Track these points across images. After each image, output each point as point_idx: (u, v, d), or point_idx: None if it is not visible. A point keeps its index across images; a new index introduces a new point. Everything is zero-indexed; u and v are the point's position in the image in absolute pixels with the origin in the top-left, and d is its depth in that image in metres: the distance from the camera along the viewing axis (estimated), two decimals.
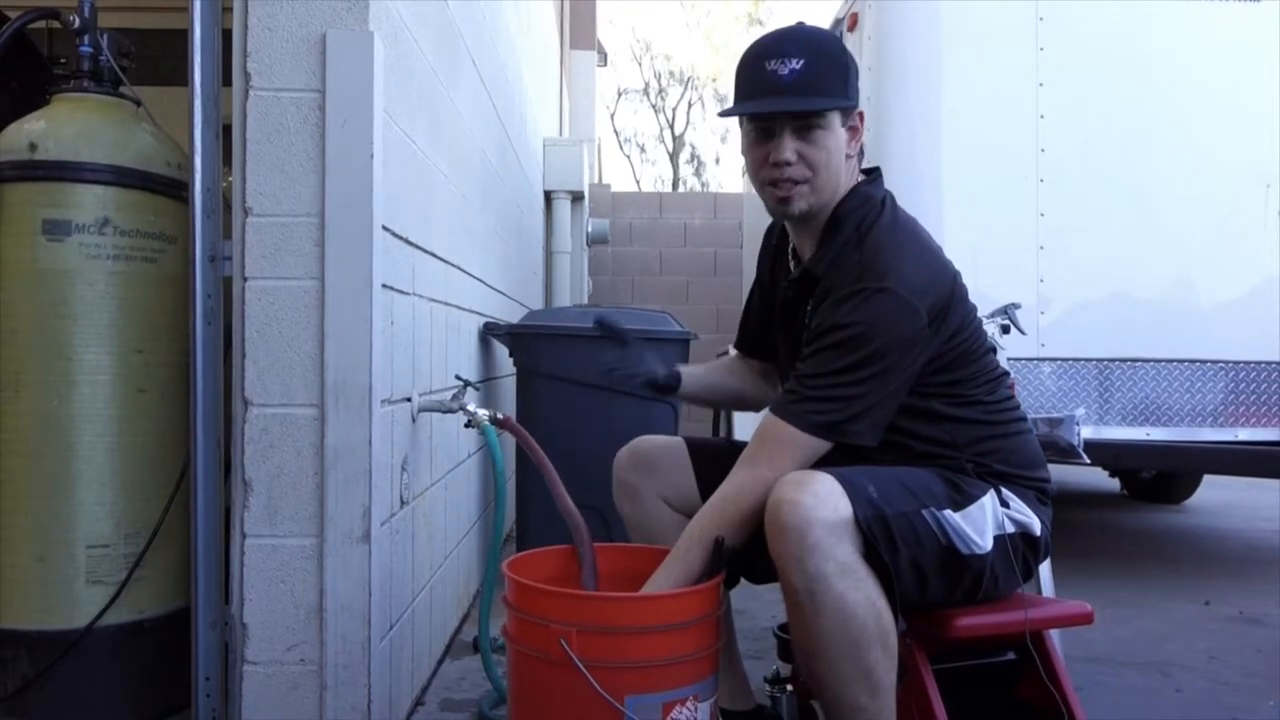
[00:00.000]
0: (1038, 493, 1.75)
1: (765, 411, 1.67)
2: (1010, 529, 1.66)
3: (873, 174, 1.79)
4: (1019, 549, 1.69)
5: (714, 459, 1.88)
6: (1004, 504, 1.67)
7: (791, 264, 1.83)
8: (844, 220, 1.70)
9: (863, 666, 1.50)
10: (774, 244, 1.93)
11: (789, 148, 1.65)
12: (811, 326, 1.65)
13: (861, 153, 1.77)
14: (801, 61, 1.62)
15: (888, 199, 1.75)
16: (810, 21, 1.79)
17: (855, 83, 1.69)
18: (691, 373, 2.02)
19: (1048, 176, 3.60)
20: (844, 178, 1.72)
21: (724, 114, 1.70)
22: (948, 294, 1.66)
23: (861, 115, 1.71)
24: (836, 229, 1.70)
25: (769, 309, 1.95)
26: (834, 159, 1.67)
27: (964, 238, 3.59)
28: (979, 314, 1.95)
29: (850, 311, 1.58)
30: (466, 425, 2.22)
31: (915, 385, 1.64)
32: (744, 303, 2.08)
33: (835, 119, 1.66)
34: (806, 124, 1.64)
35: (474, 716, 2.21)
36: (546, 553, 1.87)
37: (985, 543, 1.61)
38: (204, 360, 1.88)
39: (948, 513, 1.59)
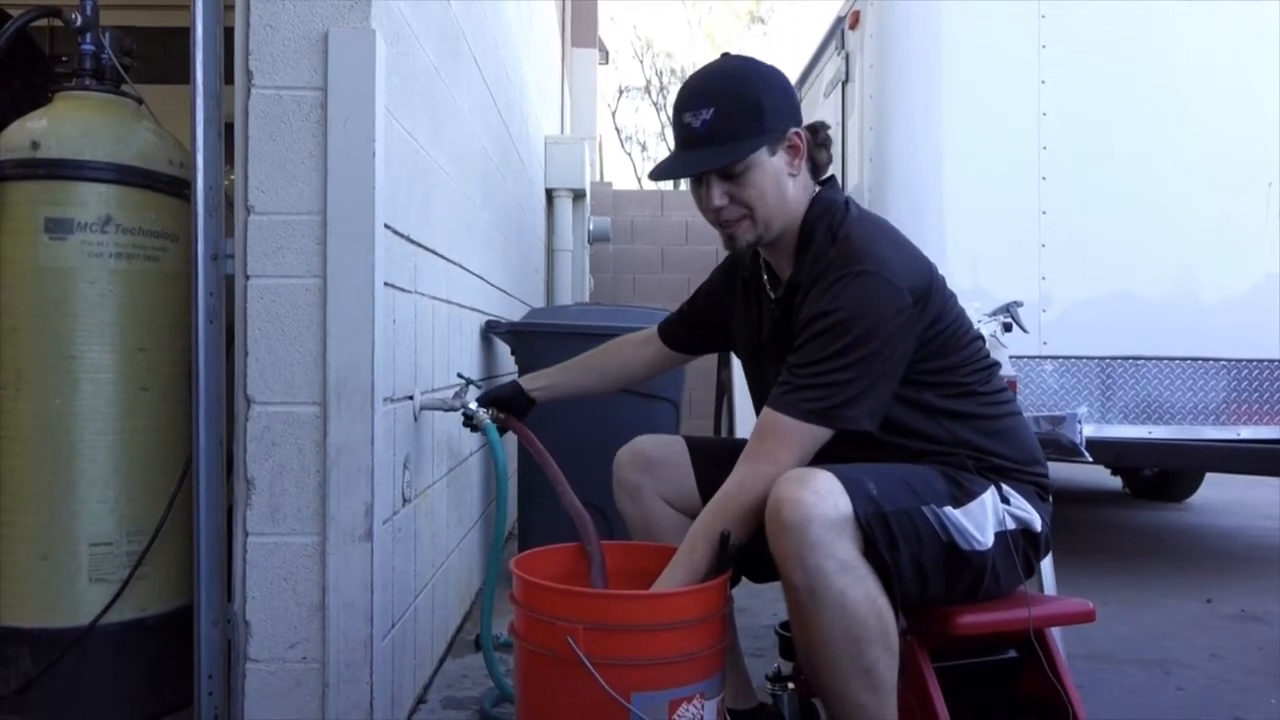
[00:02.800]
0: (1038, 488, 1.75)
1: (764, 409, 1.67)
2: (1011, 525, 1.67)
3: (828, 181, 1.81)
4: (1020, 545, 1.69)
5: (714, 458, 1.88)
6: (1004, 500, 1.67)
7: (770, 289, 1.84)
8: (814, 227, 1.72)
9: (864, 664, 1.50)
10: (746, 275, 1.91)
11: (716, 195, 1.68)
12: (798, 322, 1.65)
13: (820, 165, 1.76)
14: (711, 110, 1.64)
15: (849, 201, 1.77)
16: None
17: (779, 106, 1.68)
18: (549, 385, 2.13)
19: (1050, 174, 3.60)
20: (793, 195, 1.73)
21: (651, 176, 1.76)
22: (927, 278, 1.68)
23: (798, 133, 1.70)
24: (809, 238, 1.72)
25: (713, 315, 2.02)
26: (769, 192, 1.69)
27: (966, 236, 3.60)
28: (980, 312, 1.95)
29: (833, 298, 1.59)
30: (469, 424, 2.22)
31: (907, 374, 1.64)
32: (689, 299, 2.10)
33: (759, 155, 1.67)
34: (728, 171, 1.67)
35: (476, 714, 2.21)
36: (553, 550, 1.87)
37: (986, 539, 1.62)
38: (206, 358, 1.88)
39: (948, 509, 1.60)
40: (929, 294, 1.66)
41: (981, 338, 1.84)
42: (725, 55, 1.75)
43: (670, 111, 1.75)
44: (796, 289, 1.71)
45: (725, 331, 2.02)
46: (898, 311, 1.59)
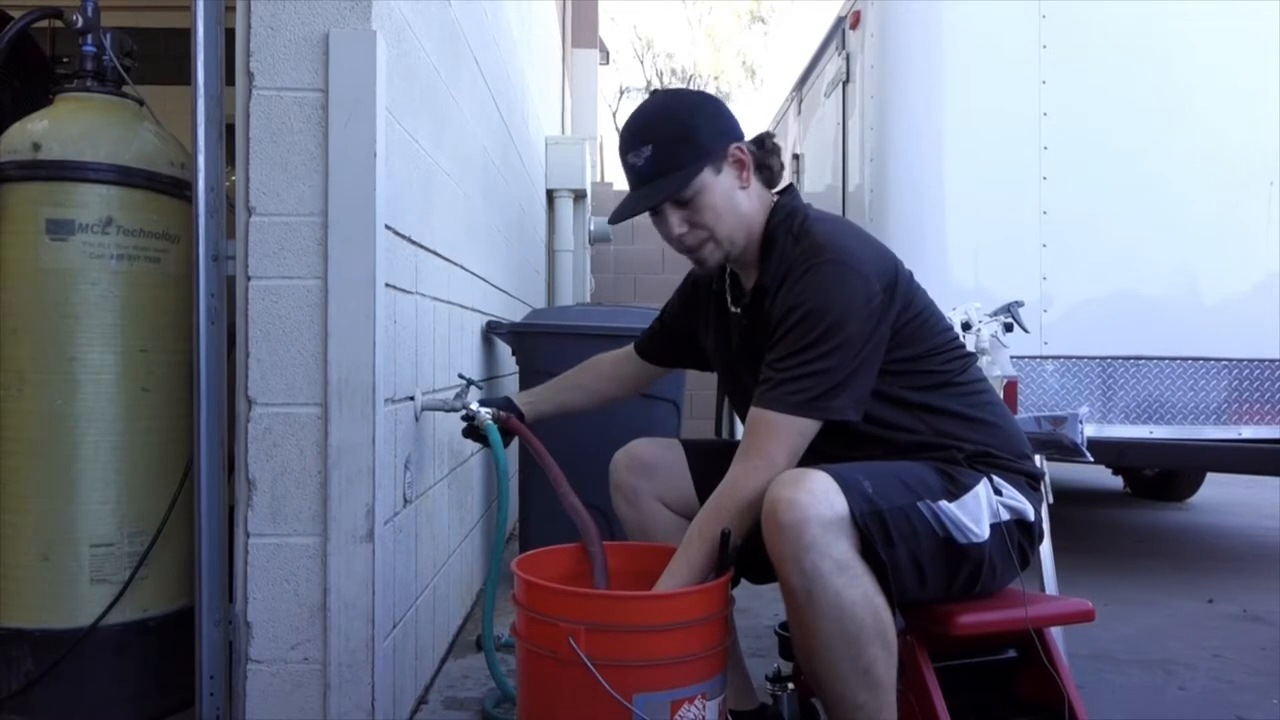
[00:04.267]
0: (1027, 478, 1.76)
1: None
2: (1005, 516, 1.68)
3: (787, 190, 1.84)
4: (1015, 536, 1.70)
5: (711, 459, 1.89)
6: (997, 492, 1.68)
7: (732, 302, 1.86)
8: (776, 233, 1.75)
9: (862, 664, 1.50)
10: (713, 289, 1.93)
11: (675, 223, 1.74)
12: (772, 319, 1.67)
13: (774, 173, 1.79)
14: (650, 148, 1.70)
15: (808, 205, 1.80)
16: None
17: (711, 128, 1.72)
18: (537, 400, 2.16)
19: (1050, 174, 3.60)
20: (749, 208, 1.76)
21: (610, 221, 1.82)
22: (893, 268, 1.71)
23: (740, 148, 1.73)
24: (772, 244, 1.75)
25: (680, 331, 2.06)
26: (723, 210, 1.73)
27: (967, 235, 3.60)
28: (981, 312, 1.94)
29: (802, 290, 1.62)
30: (469, 424, 2.21)
31: (882, 366, 1.66)
32: (658, 318, 2.13)
33: (704, 177, 1.71)
34: (680, 198, 1.70)
35: (478, 715, 2.21)
36: (555, 551, 1.87)
37: (982, 531, 1.62)
38: (208, 359, 1.88)
39: (943, 503, 1.60)
40: (895, 283, 1.69)
41: (953, 329, 1.86)
42: (654, 92, 1.82)
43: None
44: (764, 294, 1.74)
45: (694, 346, 2.05)
46: (867, 299, 1.61)
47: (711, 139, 1.71)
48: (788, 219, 1.76)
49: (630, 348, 2.18)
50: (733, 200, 1.73)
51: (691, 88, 1.97)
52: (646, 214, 1.75)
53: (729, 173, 1.73)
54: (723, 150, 1.72)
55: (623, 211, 1.76)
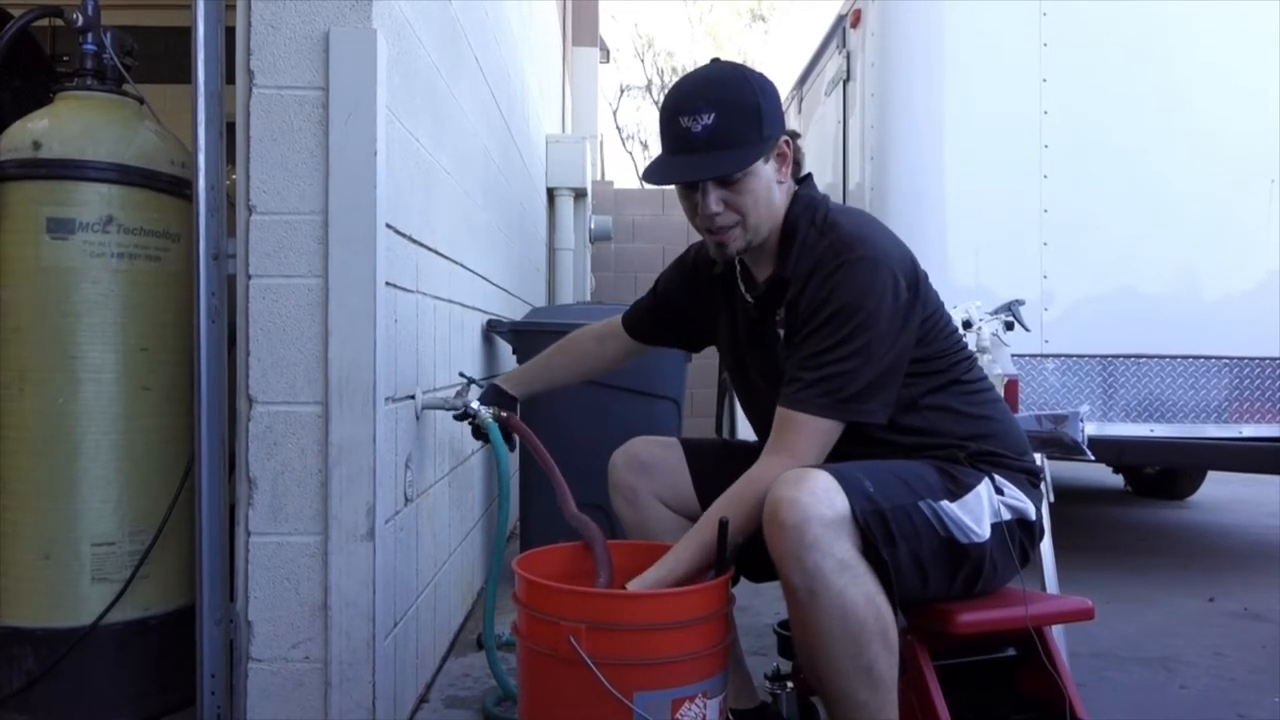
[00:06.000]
0: (1029, 475, 1.76)
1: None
2: (1006, 516, 1.67)
3: (805, 180, 1.81)
4: (1016, 535, 1.70)
5: (710, 459, 1.89)
6: (998, 491, 1.68)
7: (744, 289, 1.84)
8: (797, 223, 1.73)
9: (863, 663, 1.50)
10: (717, 274, 1.90)
11: (713, 201, 1.67)
12: (799, 314, 1.66)
13: (798, 163, 1.78)
14: (713, 115, 1.62)
15: (826, 197, 1.79)
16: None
17: (773, 114, 1.69)
18: (526, 381, 2.15)
19: (1051, 172, 3.60)
20: (779, 201, 1.74)
21: (646, 179, 1.73)
22: (914, 265, 1.70)
23: (788, 140, 1.72)
24: (793, 234, 1.73)
25: (672, 311, 2.02)
26: (761, 198, 1.69)
27: (967, 234, 3.60)
28: (982, 310, 1.94)
29: (834, 286, 1.61)
30: (472, 423, 2.21)
31: None
32: (650, 294, 2.09)
33: (757, 163, 1.67)
34: (726, 178, 1.66)
35: (478, 713, 2.22)
36: (555, 550, 1.87)
37: (983, 530, 1.62)
38: (208, 358, 1.88)
39: (944, 503, 1.60)
40: (918, 281, 1.68)
41: (957, 329, 1.86)
42: (717, 60, 1.75)
43: (661, 114, 1.72)
44: (783, 285, 1.72)
45: (686, 326, 2.04)
46: (896, 296, 1.61)
47: (770, 126, 1.68)
48: (808, 210, 1.74)
49: (615, 322, 2.13)
50: (771, 192, 1.71)
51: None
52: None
53: (773, 164, 1.71)
54: (775, 140, 1.70)
55: (665, 175, 1.70)
